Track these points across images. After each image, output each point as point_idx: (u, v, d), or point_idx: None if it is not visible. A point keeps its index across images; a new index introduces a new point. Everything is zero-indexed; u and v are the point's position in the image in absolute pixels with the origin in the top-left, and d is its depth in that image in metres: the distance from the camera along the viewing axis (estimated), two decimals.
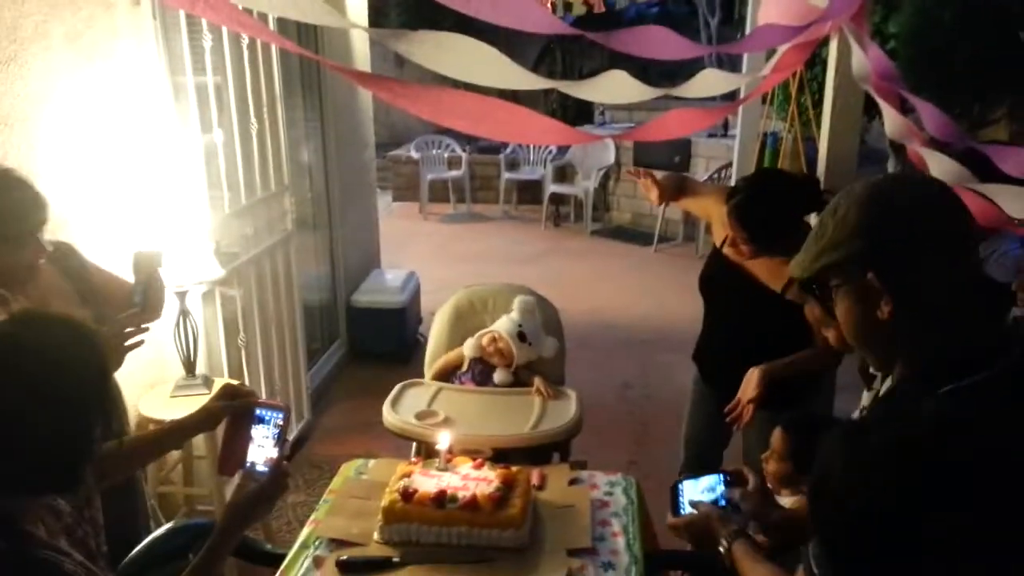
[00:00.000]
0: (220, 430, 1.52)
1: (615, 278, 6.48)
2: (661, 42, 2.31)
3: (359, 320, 4.67)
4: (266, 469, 1.43)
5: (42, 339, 1.04)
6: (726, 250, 2.32)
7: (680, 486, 1.53)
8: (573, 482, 2.06)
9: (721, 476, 1.54)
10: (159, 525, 2.07)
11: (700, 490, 1.53)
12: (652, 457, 3.58)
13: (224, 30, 2.87)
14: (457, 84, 2.24)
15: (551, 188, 8.10)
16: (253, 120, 3.23)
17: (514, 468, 1.92)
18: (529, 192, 8.77)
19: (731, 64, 7.57)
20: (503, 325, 2.56)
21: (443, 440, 1.93)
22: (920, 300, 0.99)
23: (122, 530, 1.44)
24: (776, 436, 1.99)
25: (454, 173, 8.70)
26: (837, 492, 0.94)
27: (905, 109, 2.40)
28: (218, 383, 2.62)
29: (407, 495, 1.77)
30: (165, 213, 2.58)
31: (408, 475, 1.86)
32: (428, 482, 1.83)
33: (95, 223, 2.34)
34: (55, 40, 2.18)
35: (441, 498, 1.76)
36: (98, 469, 1.27)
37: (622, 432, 3.88)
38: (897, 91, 2.27)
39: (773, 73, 2.62)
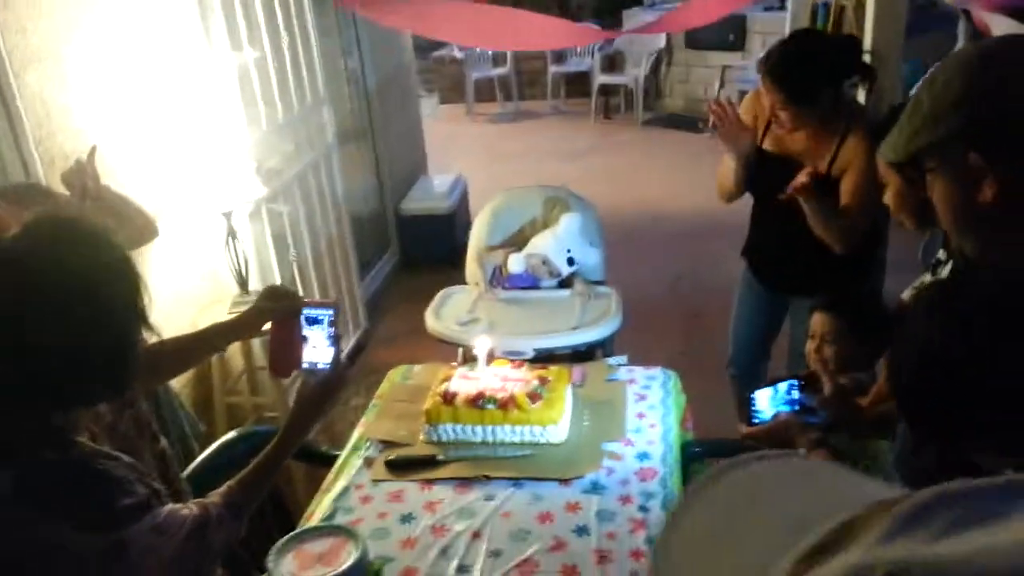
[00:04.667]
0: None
1: (666, 169, 6.34)
2: None
3: (408, 228, 4.73)
4: (326, 366, 1.46)
5: (61, 246, 1.01)
6: (766, 144, 2.25)
7: (753, 397, 1.54)
8: (611, 378, 2.10)
9: (794, 382, 1.54)
10: (200, 437, 2.17)
11: (773, 397, 1.53)
12: (704, 346, 3.59)
13: None
14: None
15: (600, 79, 7.84)
16: (284, 33, 3.21)
17: (552, 367, 1.97)
18: (578, 85, 8.51)
19: None
20: (552, 248, 2.56)
21: (480, 345, 1.98)
22: None
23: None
24: (818, 320, 1.95)
25: (499, 70, 8.48)
26: (925, 352, 0.85)
27: None
28: None
29: (448, 398, 1.85)
30: (203, 135, 2.63)
31: (448, 378, 1.93)
32: (467, 384, 1.89)
33: (132, 151, 2.40)
34: None
35: (479, 399, 1.83)
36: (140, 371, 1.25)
37: (672, 324, 3.89)
38: None
39: None
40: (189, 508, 1.20)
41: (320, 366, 1.48)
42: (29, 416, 1.04)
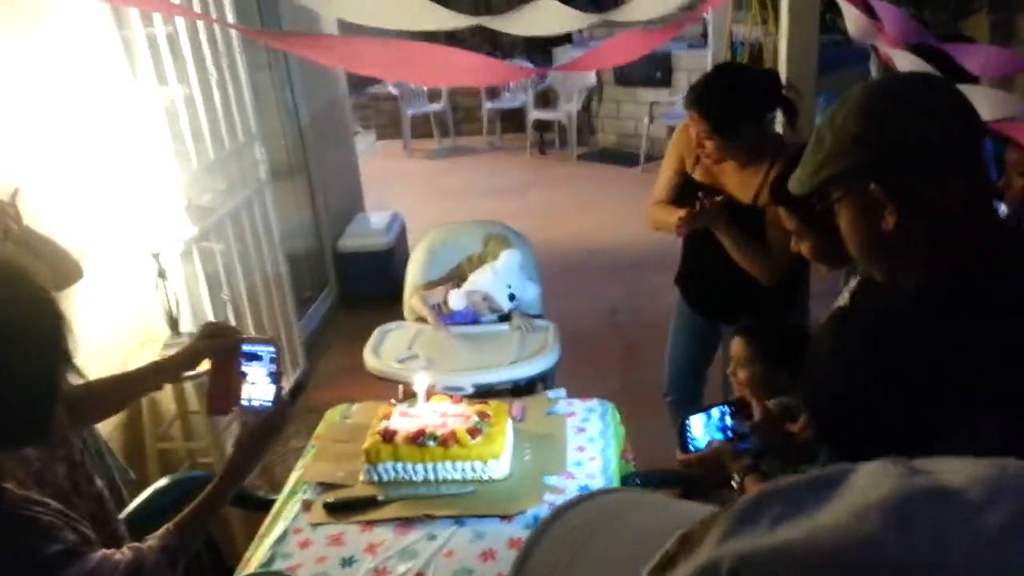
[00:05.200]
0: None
1: (601, 203, 6.46)
2: None
3: (347, 265, 4.69)
4: (267, 404, 1.42)
5: None
6: (697, 173, 2.32)
7: (687, 423, 1.54)
8: (551, 412, 2.11)
9: (725, 408, 1.54)
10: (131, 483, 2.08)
11: (706, 424, 1.53)
12: (642, 379, 3.63)
13: None
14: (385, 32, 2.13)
15: (534, 115, 7.98)
16: (212, 69, 3.17)
17: (492, 402, 1.97)
18: (513, 121, 8.64)
19: None
20: (492, 285, 2.59)
21: (419, 382, 1.97)
22: (926, 210, 0.93)
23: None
24: (735, 344, 2.00)
25: (435, 106, 8.55)
26: (824, 378, 0.89)
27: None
28: None
29: (387, 436, 1.83)
30: (130, 174, 2.57)
31: (387, 416, 1.91)
32: (407, 422, 1.88)
33: (58, 191, 2.33)
34: None
35: (420, 436, 1.81)
36: (68, 414, 1.21)
37: (611, 357, 3.94)
38: None
39: None
40: (123, 553, 1.16)
41: (260, 404, 1.43)
42: None
